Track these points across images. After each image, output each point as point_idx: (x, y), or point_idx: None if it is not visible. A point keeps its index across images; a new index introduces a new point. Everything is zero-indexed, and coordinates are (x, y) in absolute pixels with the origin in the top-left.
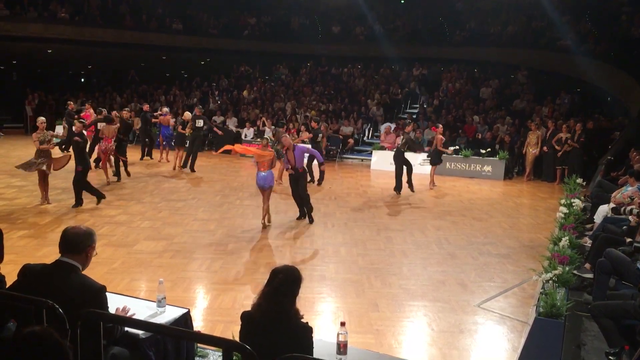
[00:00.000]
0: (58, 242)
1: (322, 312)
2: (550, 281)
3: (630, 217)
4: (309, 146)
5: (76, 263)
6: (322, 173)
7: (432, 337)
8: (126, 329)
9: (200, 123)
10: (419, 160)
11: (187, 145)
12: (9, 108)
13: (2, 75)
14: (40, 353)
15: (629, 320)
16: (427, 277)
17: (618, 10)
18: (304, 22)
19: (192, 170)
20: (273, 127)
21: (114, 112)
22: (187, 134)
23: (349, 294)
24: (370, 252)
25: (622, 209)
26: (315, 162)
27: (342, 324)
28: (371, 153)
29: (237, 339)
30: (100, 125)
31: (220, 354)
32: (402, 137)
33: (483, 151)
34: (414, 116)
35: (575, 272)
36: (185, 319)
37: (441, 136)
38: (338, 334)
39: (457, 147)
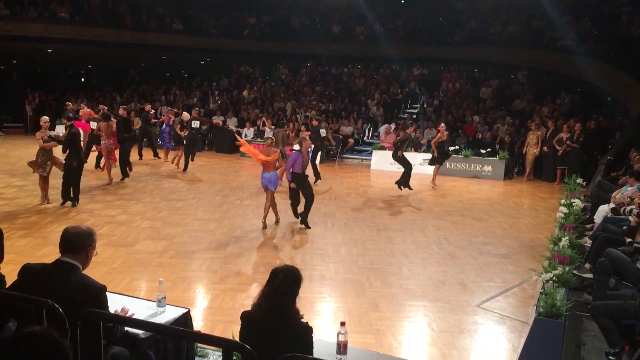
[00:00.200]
0: (58, 242)
1: (322, 312)
2: (550, 281)
3: (630, 217)
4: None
5: (76, 263)
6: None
7: (432, 337)
8: (126, 328)
9: (196, 124)
10: (419, 160)
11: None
12: (9, 108)
13: (2, 75)
14: (40, 353)
15: (629, 320)
16: (427, 277)
17: (618, 10)
18: (304, 22)
19: (185, 170)
20: (273, 126)
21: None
22: (183, 135)
23: (349, 294)
24: (370, 252)
25: (622, 209)
26: (317, 160)
27: (342, 323)
28: (371, 153)
29: (237, 338)
30: (95, 124)
31: (220, 353)
32: (401, 135)
33: (483, 151)
34: (414, 116)
35: (575, 272)
36: (185, 318)
37: (439, 135)
38: (338, 334)
39: (457, 147)
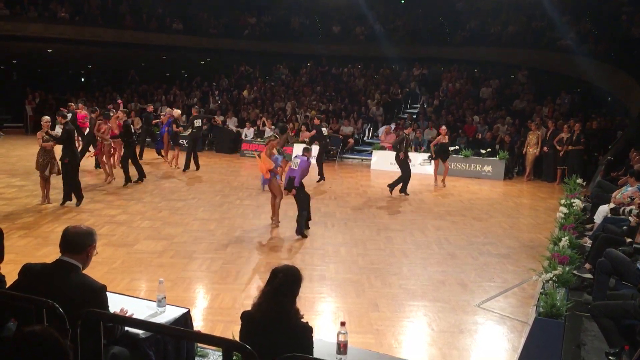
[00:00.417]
0: (58, 242)
1: (322, 312)
2: (550, 281)
3: (630, 218)
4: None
5: (76, 262)
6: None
7: (432, 337)
8: (126, 328)
9: (198, 123)
10: (419, 160)
11: (184, 145)
12: (9, 108)
13: (2, 75)
14: (40, 353)
15: (629, 320)
16: (427, 277)
17: (618, 10)
18: (304, 22)
19: (185, 170)
20: (273, 127)
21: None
22: (181, 133)
23: (349, 294)
24: (370, 252)
25: (621, 209)
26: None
27: (342, 323)
28: (371, 153)
29: (237, 338)
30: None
31: (220, 353)
32: (400, 135)
33: (483, 151)
34: (414, 116)
35: (575, 272)
36: (185, 318)
37: (440, 137)
38: (338, 334)
39: (457, 147)
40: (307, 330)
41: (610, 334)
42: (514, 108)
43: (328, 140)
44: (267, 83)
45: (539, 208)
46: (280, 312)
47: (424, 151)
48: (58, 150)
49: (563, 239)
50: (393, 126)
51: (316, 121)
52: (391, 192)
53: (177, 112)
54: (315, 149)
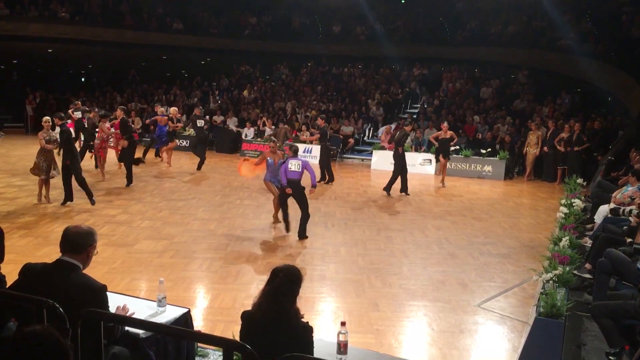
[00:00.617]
0: (59, 242)
1: (323, 312)
2: (551, 281)
3: (630, 218)
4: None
5: (77, 262)
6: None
7: (433, 337)
8: (127, 328)
9: (201, 123)
10: (419, 160)
11: (182, 144)
12: (10, 108)
13: (2, 74)
14: (40, 352)
15: (629, 320)
16: (428, 277)
17: (619, 10)
18: (304, 22)
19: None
20: (273, 126)
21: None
22: (179, 131)
23: (349, 294)
24: (371, 251)
25: (621, 210)
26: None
27: (343, 323)
28: (371, 153)
29: (237, 338)
30: (78, 113)
31: (220, 353)
32: (399, 132)
33: (483, 151)
34: (415, 116)
35: (575, 272)
36: (186, 318)
37: (441, 132)
38: (338, 334)
39: (457, 147)
40: (308, 330)
41: (610, 334)
42: (514, 108)
43: (329, 141)
44: (268, 83)
45: (539, 208)
46: (280, 312)
47: (424, 151)
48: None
49: (563, 239)
50: (393, 126)
51: (320, 123)
52: (389, 194)
53: (173, 109)
54: (316, 150)
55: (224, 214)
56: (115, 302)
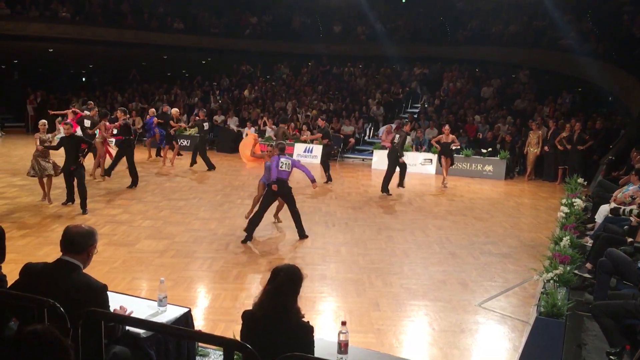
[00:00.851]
0: (59, 241)
1: (323, 312)
2: (551, 281)
3: (631, 217)
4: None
5: (77, 262)
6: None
7: (433, 336)
8: (127, 328)
9: (206, 126)
10: (419, 160)
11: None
12: (10, 107)
13: (3, 74)
14: (41, 352)
15: (630, 320)
16: (428, 276)
17: (619, 9)
18: (305, 22)
19: (211, 168)
20: (274, 126)
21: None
22: (180, 130)
23: (350, 294)
24: (371, 251)
25: (622, 210)
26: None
27: (343, 323)
28: (372, 152)
29: (238, 338)
30: (88, 122)
31: (221, 353)
32: (399, 134)
33: (484, 151)
34: (415, 116)
35: (576, 271)
36: (187, 318)
37: (442, 136)
38: (339, 333)
39: (458, 146)
40: (308, 329)
41: (611, 334)
42: (515, 107)
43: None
44: (268, 82)
45: (540, 207)
46: (281, 311)
47: (425, 151)
48: (56, 153)
49: (564, 238)
50: (394, 125)
51: (321, 123)
52: (389, 193)
53: (175, 110)
54: (317, 150)
55: (224, 213)
56: (116, 301)
